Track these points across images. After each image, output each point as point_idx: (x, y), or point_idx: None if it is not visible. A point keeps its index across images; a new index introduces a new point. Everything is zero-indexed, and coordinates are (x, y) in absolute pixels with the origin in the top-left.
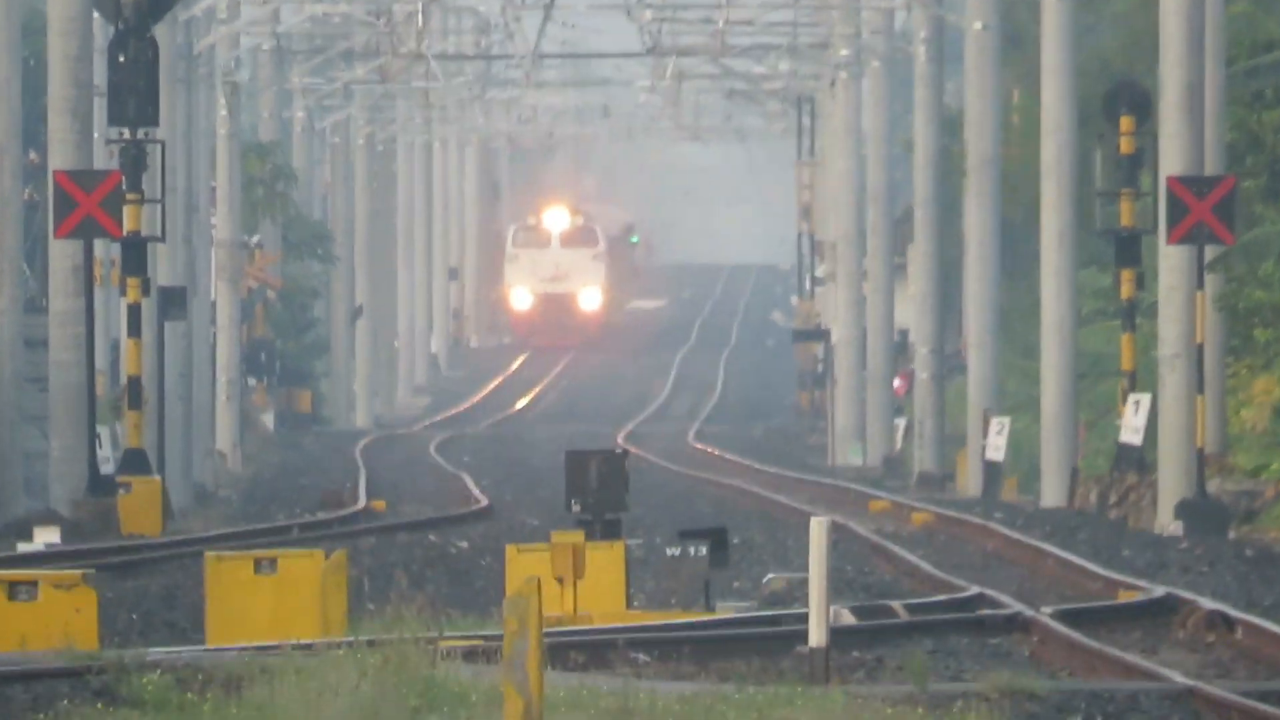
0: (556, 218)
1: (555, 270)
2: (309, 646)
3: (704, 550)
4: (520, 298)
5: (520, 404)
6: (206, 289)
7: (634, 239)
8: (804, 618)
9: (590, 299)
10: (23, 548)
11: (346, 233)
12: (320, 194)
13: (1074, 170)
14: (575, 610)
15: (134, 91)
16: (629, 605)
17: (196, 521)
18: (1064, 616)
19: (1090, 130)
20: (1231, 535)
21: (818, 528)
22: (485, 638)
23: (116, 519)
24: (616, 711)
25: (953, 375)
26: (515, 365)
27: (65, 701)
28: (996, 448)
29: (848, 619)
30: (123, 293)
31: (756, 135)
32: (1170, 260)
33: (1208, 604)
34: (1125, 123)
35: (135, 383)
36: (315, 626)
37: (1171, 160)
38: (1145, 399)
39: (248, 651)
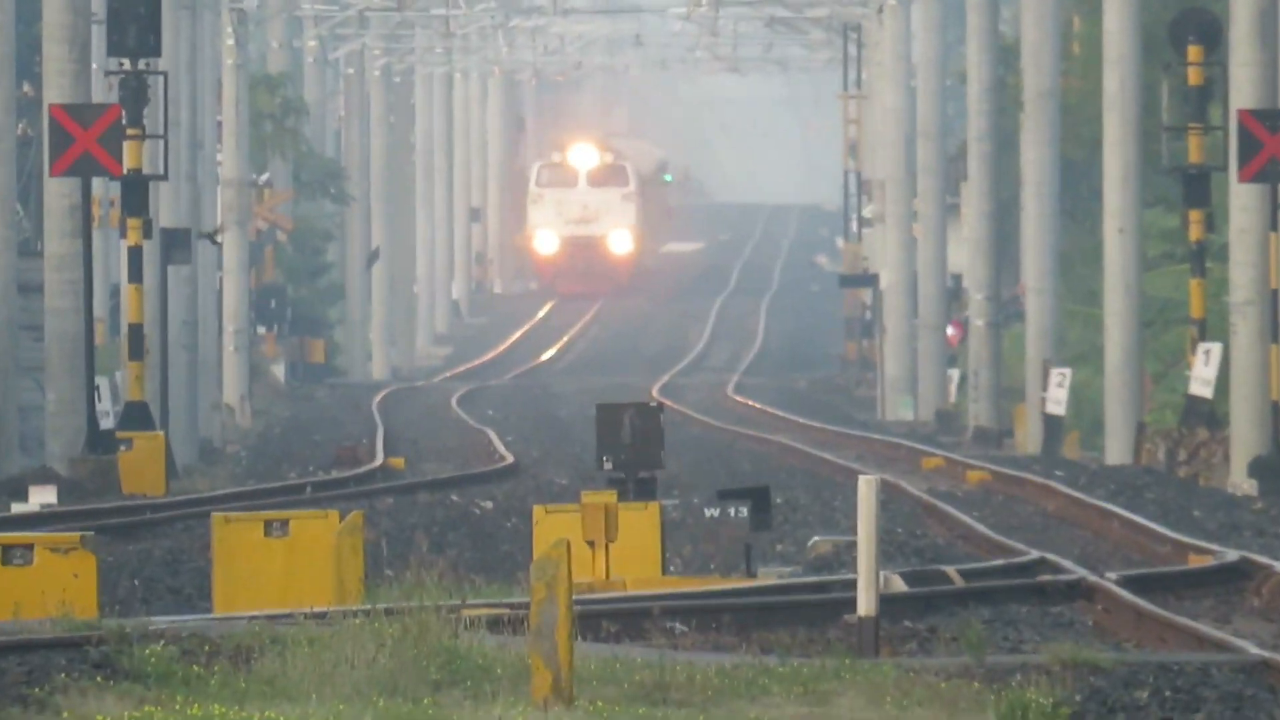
0: (584, 155)
1: (583, 211)
2: (323, 615)
3: (745, 511)
4: (545, 241)
5: (548, 354)
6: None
7: (667, 177)
8: (852, 584)
9: (621, 242)
10: (17, 508)
11: (362, 171)
12: (333, 129)
13: (1138, 103)
14: (607, 576)
15: (134, 19)
16: (665, 570)
17: (202, 480)
18: (1130, 583)
19: (1156, 60)
20: None
21: (866, 487)
22: (511, 606)
23: (117, 477)
24: (652, 685)
25: (1010, 323)
26: (542, 312)
27: (62, 675)
28: (1057, 401)
29: (898, 586)
30: (123, 235)
31: (799, 66)
32: (1241, 199)
33: None
34: (1193, 52)
35: (137, 331)
36: (329, 593)
37: (1243, 92)
38: (1216, 348)
39: (257, 620)
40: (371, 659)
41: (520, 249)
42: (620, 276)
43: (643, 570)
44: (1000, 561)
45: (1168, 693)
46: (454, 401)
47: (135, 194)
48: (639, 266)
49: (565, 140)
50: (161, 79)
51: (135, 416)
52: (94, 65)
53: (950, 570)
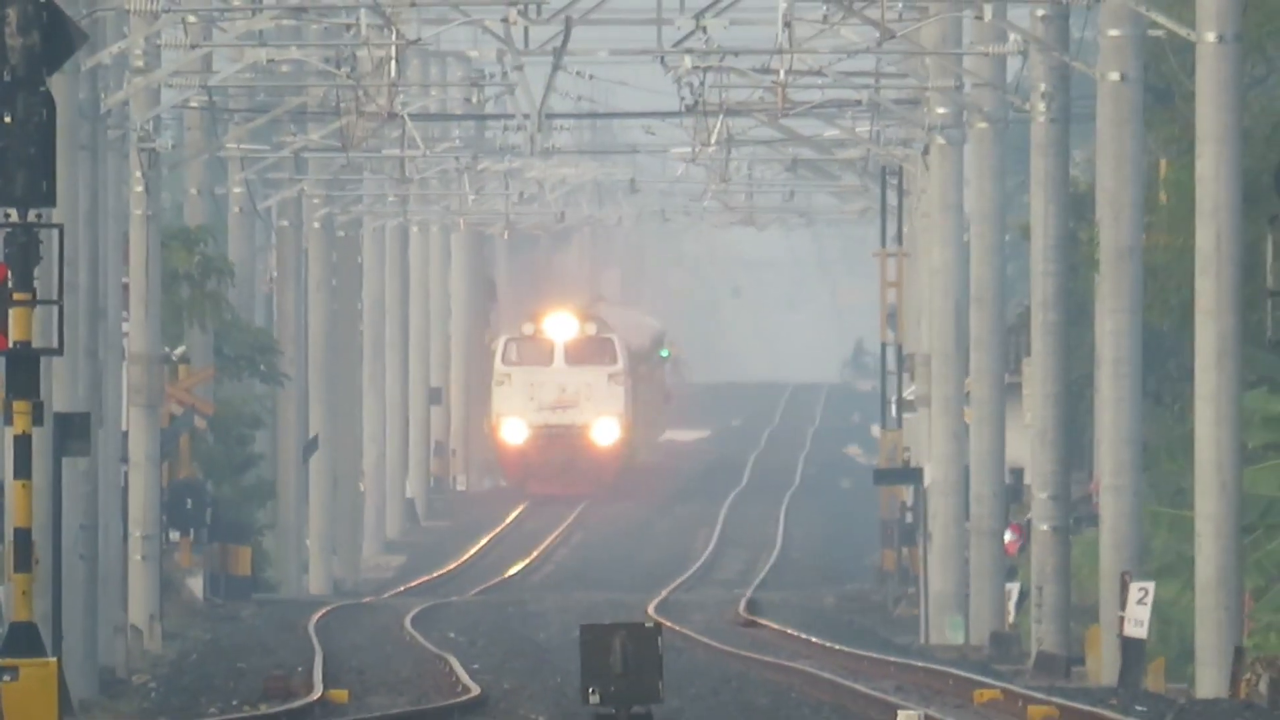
0: (561, 326)
1: (560, 395)
2: None
3: None
4: (514, 431)
5: (521, 565)
6: (116, 416)
7: (664, 353)
8: None
9: (606, 432)
10: None
11: (298, 343)
12: (264, 293)
13: (1237, 263)
14: None
15: (23, 162)
16: None
17: (104, 717)
18: None
19: (1259, 212)
20: None
21: None
22: None
23: (0, 713)
24: None
25: (1081, 527)
26: (515, 514)
27: None
28: (1138, 621)
29: None
30: (8, 421)
31: (827, 217)
32: None
33: None
34: None
35: (24, 537)
36: None
37: None
38: None
39: None
40: None
41: (486, 438)
42: (605, 475)
43: None
44: None
45: None
46: (408, 621)
47: (23, 371)
48: (628, 462)
49: (539, 309)
50: (56, 233)
51: (21, 640)
52: None
53: None
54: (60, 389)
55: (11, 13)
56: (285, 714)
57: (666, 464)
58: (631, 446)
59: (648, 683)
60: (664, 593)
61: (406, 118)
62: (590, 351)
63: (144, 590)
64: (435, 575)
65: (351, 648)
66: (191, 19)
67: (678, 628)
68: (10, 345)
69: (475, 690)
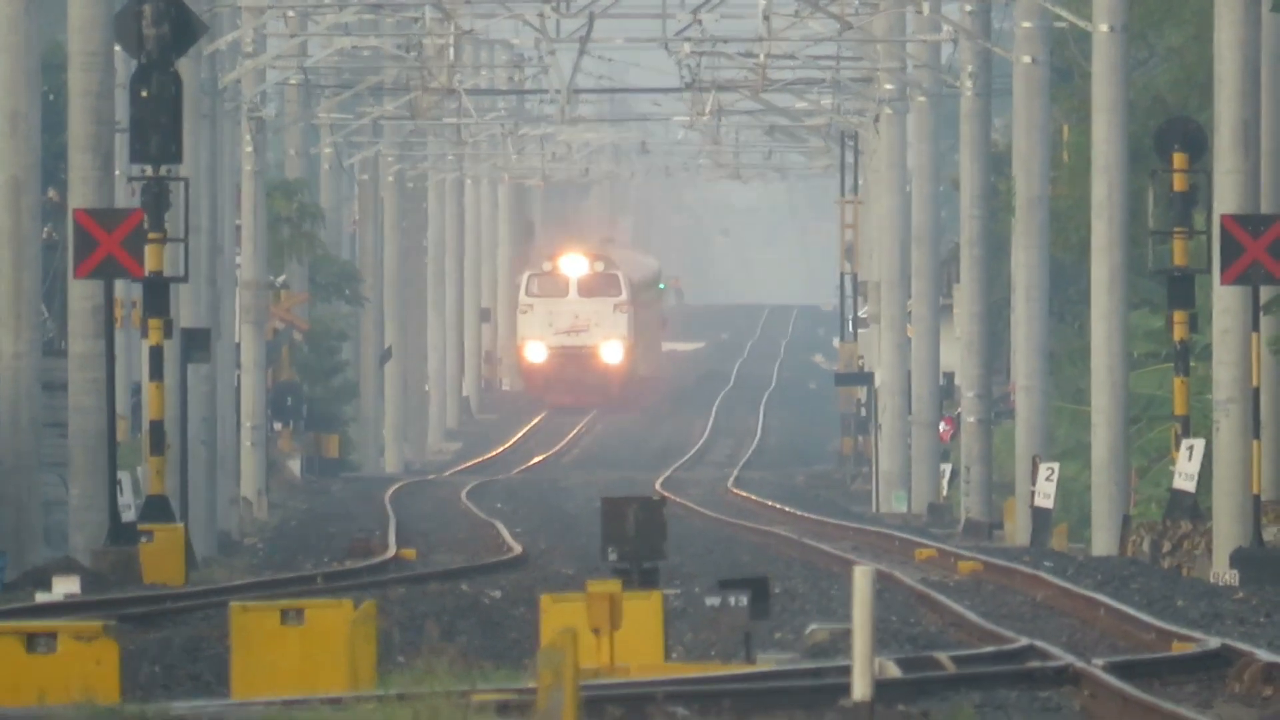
0: (575, 264)
1: (574, 321)
2: (337, 700)
3: (744, 600)
4: (535, 352)
5: (555, 448)
6: (231, 331)
7: (661, 286)
8: (848, 670)
9: (612, 353)
10: (41, 598)
11: (375, 273)
12: (348, 233)
13: (1125, 209)
14: (612, 662)
15: (156, 127)
16: (667, 657)
17: (221, 571)
18: (1116, 669)
19: (1142, 168)
20: None
21: (861, 577)
22: (519, 691)
23: (138, 568)
24: None
25: (1000, 420)
26: (548, 410)
27: None
28: (1045, 494)
29: (892, 671)
30: (144, 335)
31: (798, 172)
32: (1224, 301)
33: (1265, 656)
34: (1178, 159)
35: (157, 428)
36: (343, 679)
37: (1226, 198)
38: (1199, 444)
39: (274, 705)
40: None
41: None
42: (611, 388)
43: (646, 657)
44: (991, 648)
45: None
46: (464, 495)
47: (156, 296)
48: (631, 378)
49: (556, 249)
50: (182, 185)
51: (156, 510)
52: (117, 172)
53: (942, 656)
54: (186, 309)
55: (147, 9)
56: (366, 569)
57: (665, 373)
58: (633, 364)
59: (655, 544)
60: (668, 471)
61: (462, 92)
62: (599, 285)
63: (253, 470)
64: (486, 457)
65: (419, 515)
66: (291, 13)
67: (679, 499)
68: (146, 274)
69: (518, 549)
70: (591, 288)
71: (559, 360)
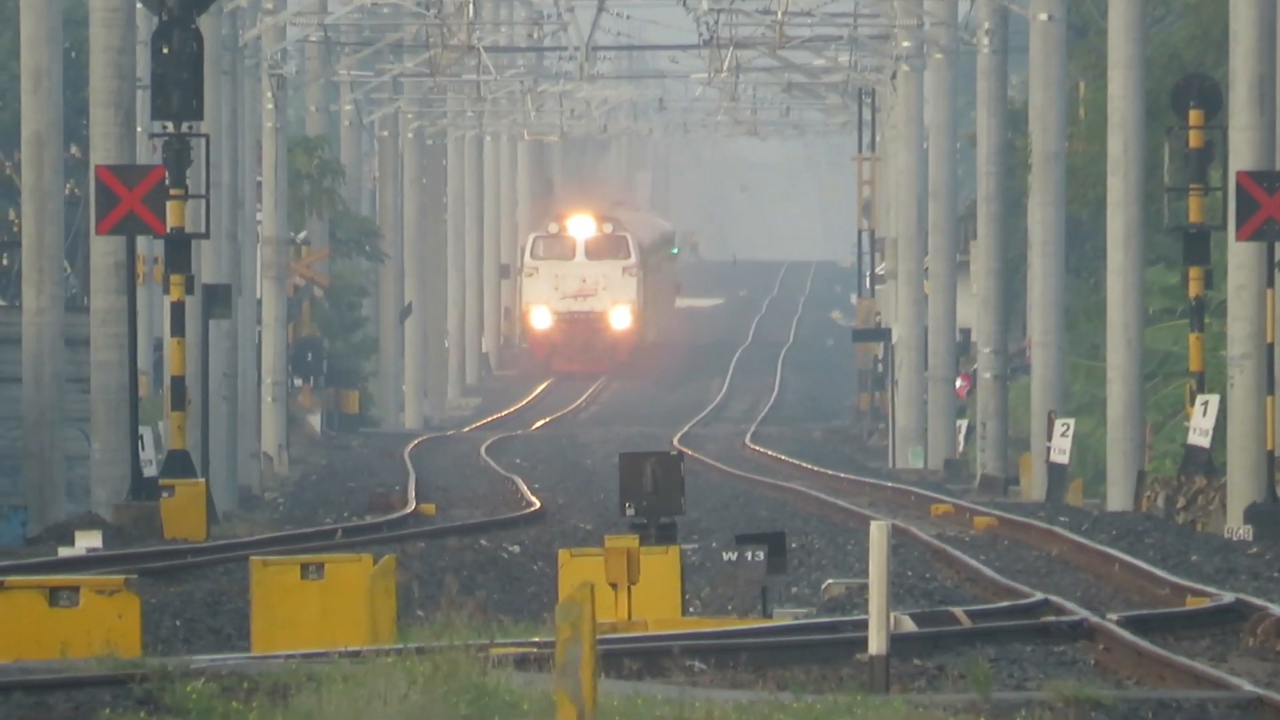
0: (582, 225)
1: (581, 286)
2: (357, 654)
3: (761, 555)
4: (540, 317)
5: (573, 404)
6: (252, 287)
7: (674, 250)
8: (864, 624)
9: (620, 318)
10: (64, 552)
11: (395, 229)
12: (368, 189)
13: (1141, 165)
14: (629, 616)
15: (178, 84)
16: (684, 611)
17: (241, 525)
18: (1130, 623)
19: (1158, 124)
20: None
21: (878, 532)
22: (537, 645)
23: (159, 523)
24: None
25: (1016, 376)
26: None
27: (107, 710)
28: (1061, 450)
29: (908, 626)
30: (166, 290)
31: (815, 129)
32: (1239, 257)
33: (1278, 611)
34: (1194, 116)
35: (179, 383)
36: (363, 633)
37: (1241, 155)
38: (1214, 400)
39: (294, 659)
40: (403, 696)
41: (518, 324)
42: (619, 354)
43: (663, 611)
44: (1006, 603)
45: None
46: (483, 450)
47: (178, 252)
48: (640, 345)
49: (563, 210)
50: (203, 141)
51: (177, 465)
52: (139, 129)
53: (958, 611)
54: (207, 265)
55: None
56: (386, 523)
57: (677, 339)
58: (643, 330)
59: (672, 499)
60: (686, 427)
61: (482, 50)
62: (607, 247)
63: (274, 425)
64: (505, 413)
65: (438, 471)
66: None
67: (696, 455)
68: (168, 230)
69: (537, 504)
70: (599, 250)
71: (565, 326)
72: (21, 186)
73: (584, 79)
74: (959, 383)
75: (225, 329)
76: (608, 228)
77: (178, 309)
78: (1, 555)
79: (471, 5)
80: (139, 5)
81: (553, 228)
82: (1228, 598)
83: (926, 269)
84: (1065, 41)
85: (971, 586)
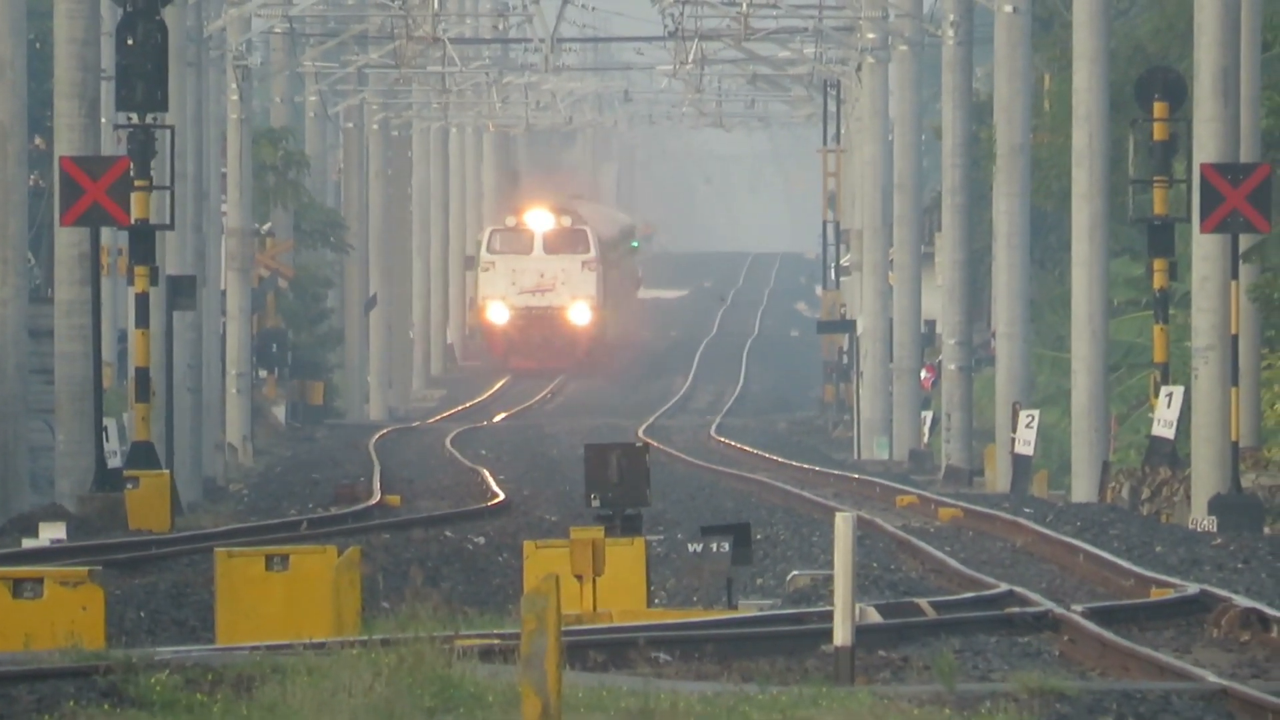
0: (540, 219)
1: (539, 280)
2: (322, 645)
3: (727, 547)
4: (497, 313)
5: (539, 396)
6: (216, 278)
7: (634, 244)
8: (829, 616)
9: (580, 314)
10: (28, 543)
11: (360, 220)
12: (333, 181)
13: (1106, 157)
14: (595, 608)
15: (142, 75)
16: (650, 603)
17: (206, 517)
18: (1095, 614)
19: (1123, 116)
20: (1266, 531)
21: (843, 523)
22: (502, 636)
23: (124, 514)
24: (637, 712)
25: (981, 367)
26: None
27: (71, 702)
28: (1026, 441)
29: (873, 617)
30: (130, 282)
31: (780, 121)
32: (1204, 249)
33: (1242, 602)
34: (1159, 108)
35: (143, 374)
36: (328, 625)
37: (1205, 147)
38: (1178, 391)
39: (259, 650)
40: (368, 687)
41: (472, 320)
42: (579, 351)
43: (629, 603)
44: (970, 594)
45: (1130, 719)
46: (448, 442)
47: (143, 243)
48: (599, 341)
49: (520, 204)
50: (168, 133)
51: (141, 456)
52: (103, 120)
53: (923, 602)
54: (172, 256)
55: None
56: (351, 514)
57: (639, 337)
58: (603, 326)
59: (638, 490)
60: (651, 418)
61: (447, 41)
62: (566, 241)
63: (238, 416)
64: (470, 405)
65: (403, 462)
66: None
67: (662, 446)
68: (132, 222)
69: (502, 496)
70: (558, 244)
71: (523, 322)
72: None
73: (549, 71)
74: (924, 374)
75: (190, 320)
76: (566, 221)
77: (142, 300)
78: None
79: None
80: None
81: (510, 221)
82: (1192, 589)
83: (891, 261)
84: (1030, 34)
85: (936, 578)
